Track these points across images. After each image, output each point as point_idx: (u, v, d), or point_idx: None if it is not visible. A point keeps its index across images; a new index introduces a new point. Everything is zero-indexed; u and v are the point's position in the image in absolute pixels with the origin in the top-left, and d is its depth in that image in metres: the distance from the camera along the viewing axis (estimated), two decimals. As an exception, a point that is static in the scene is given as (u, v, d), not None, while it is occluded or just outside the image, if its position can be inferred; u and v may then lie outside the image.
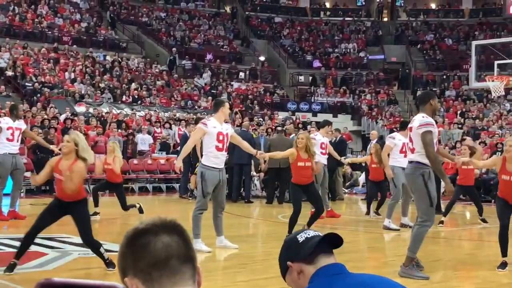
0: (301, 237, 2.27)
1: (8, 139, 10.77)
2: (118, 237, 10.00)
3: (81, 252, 7.88)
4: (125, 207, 11.94)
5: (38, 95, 23.67)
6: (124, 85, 27.55)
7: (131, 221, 12.20)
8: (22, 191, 14.41)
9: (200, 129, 8.48)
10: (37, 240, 8.57)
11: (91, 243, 6.84)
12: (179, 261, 1.54)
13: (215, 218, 8.59)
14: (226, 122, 8.96)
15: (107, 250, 8.06)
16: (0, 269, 6.72)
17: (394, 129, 18.28)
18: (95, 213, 11.62)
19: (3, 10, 29.86)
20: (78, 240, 8.84)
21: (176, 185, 19.15)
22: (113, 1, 36.84)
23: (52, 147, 11.58)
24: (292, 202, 9.74)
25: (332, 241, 2.24)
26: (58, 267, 7.00)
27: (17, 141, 11.02)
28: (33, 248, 7.99)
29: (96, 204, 11.90)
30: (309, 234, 2.29)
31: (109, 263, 6.78)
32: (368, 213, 13.42)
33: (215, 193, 8.47)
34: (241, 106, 29.24)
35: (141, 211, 12.23)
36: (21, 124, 11.30)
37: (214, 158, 8.39)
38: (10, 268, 6.51)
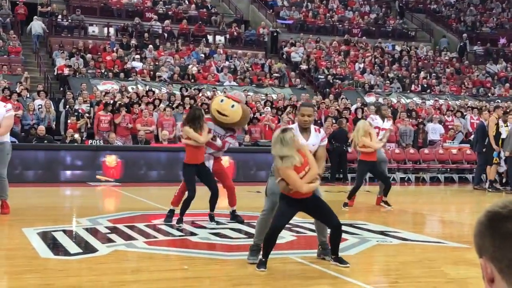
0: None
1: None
2: (412, 226, 10.00)
3: (380, 239, 8.05)
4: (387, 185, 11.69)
5: (331, 87, 24.63)
6: (412, 74, 27.36)
7: (424, 211, 12.12)
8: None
9: None
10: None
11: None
12: None
13: None
14: None
15: (401, 239, 8.14)
16: (302, 252, 7.19)
17: None
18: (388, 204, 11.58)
19: (297, 7, 31.63)
20: (375, 227, 9.09)
21: (469, 176, 18.51)
22: (401, -10, 36.75)
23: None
24: None
25: None
26: (359, 252, 7.23)
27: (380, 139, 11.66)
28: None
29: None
30: None
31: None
32: None
33: None
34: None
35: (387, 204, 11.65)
36: (388, 124, 11.92)
37: None
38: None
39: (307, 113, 6.53)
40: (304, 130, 6.56)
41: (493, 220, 1.49)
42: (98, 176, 15.60)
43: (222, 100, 9.18)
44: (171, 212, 9.20)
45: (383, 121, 11.71)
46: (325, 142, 6.74)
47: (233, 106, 9.07)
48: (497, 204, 1.52)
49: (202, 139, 8.77)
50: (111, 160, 15.82)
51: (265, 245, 6.25)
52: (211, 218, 9.23)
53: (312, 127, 6.66)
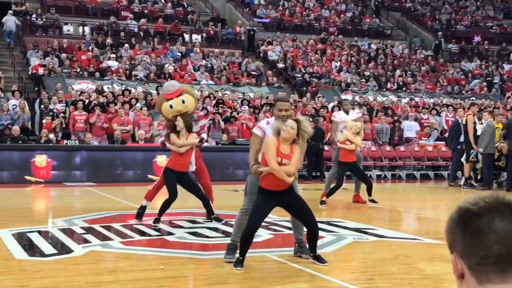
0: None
1: None
2: (388, 223, 10.06)
3: (356, 237, 8.09)
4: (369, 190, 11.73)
5: (307, 85, 24.69)
6: (388, 72, 27.53)
7: (400, 208, 12.19)
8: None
9: None
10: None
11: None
12: (511, 258, 1.43)
13: None
14: None
15: (377, 236, 8.20)
16: (279, 250, 7.21)
17: None
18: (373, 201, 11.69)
19: (274, 6, 31.65)
20: (352, 224, 9.13)
21: (445, 173, 18.68)
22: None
23: None
24: None
25: None
26: (336, 250, 7.26)
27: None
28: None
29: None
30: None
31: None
32: None
33: None
34: (513, 89, 27.59)
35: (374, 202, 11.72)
36: (352, 115, 12.02)
37: None
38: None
39: (285, 108, 6.53)
40: None
41: (463, 216, 1.49)
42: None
43: (171, 106, 8.89)
44: (143, 209, 9.13)
45: (347, 115, 11.87)
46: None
47: (183, 101, 8.94)
48: (468, 201, 1.51)
49: (180, 142, 8.63)
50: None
51: (242, 243, 6.25)
52: (217, 220, 9.18)
53: None
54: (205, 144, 17.43)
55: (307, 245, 6.67)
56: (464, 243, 1.47)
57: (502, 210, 1.46)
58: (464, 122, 15.82)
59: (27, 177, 15.30)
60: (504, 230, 1.44)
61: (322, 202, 11.34)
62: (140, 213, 9.10)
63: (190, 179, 9.01)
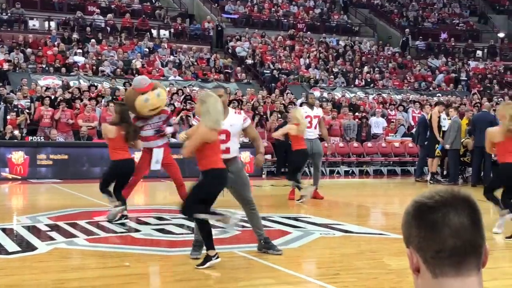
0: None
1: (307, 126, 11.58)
2: (355, 219, 10.12)
3: (323, 232, 8.11)
4: (292, 176, 11.70)
5: (276, 81, 24.71)
6: (356, 68, 27.69)
7: (367, 203, 12.27)
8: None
9: None
10: (280, 220, 9.03)
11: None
12: (465, 251, 1.44)
13: None
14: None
15: (344, 231, 8.23)
16: (246, 246, 7.20)
17: None
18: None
19: (242, 2, 31.59)
20: (319, 220, 9.16)
21: (411, 168, 18.86)
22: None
23: None
24: None
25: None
26: (302, 245, 7.27)
27: (315, 127, 11.80)
28: (277, 226, 8.45)
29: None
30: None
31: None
32: None
33: None
34: (479, 86, 27.93)
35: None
36: (319, 112, 12.01)
37: None
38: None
39: (220, 94, 6.66)
40: None
41: (419, 210, 1.49)
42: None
43: (147, 100, 8.86)
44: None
45: (312, 109, 11.90)
46: (248, 122, 6.96)
47: (158, 95, 8.97)
48: (424, 195, 1.51)
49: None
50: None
51: (204, 234, 6.20)
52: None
53: (232, 110, 6.97)
54: (174, 140, 17.39)
55: (273, 242, 6.68)
56: (419, 236, 1.47)
57: (457, 204, 1.47)
58: (429, 118, 15.98)
59: (4, 174, 15.13)
60: (459, 223, 1.45)
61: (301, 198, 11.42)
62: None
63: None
